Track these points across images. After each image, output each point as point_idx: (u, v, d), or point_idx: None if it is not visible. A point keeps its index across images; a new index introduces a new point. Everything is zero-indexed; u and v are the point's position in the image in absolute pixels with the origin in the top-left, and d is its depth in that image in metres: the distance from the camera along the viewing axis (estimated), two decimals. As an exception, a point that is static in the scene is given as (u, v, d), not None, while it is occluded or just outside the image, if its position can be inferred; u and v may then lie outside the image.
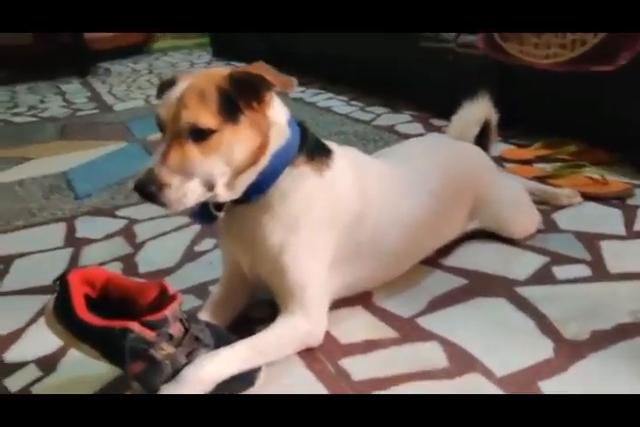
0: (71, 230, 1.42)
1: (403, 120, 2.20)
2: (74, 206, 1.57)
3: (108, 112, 2.80)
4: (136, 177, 0.77)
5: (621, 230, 1.23)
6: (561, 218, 1.32)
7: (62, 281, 0.75)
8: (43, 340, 0.82)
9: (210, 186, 0.80)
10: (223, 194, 0.83)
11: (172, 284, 1.10)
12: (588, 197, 1.40)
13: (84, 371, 0.86)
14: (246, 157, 0.82)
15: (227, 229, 0.93)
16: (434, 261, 1.15)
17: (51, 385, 0.86)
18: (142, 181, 0.76)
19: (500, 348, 0.88)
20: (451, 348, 0.89)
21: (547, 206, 1.36)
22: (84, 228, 1.43)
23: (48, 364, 0.90)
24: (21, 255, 1.30)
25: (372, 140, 1.96)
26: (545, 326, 0.93)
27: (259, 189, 0.86)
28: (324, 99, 2.73)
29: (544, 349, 0.87)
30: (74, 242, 1.35)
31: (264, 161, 0.84)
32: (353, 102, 2.59)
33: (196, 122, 0.77)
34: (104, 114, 2.77)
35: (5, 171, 1.95)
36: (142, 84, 3.58)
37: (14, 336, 0.99)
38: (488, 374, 0.83)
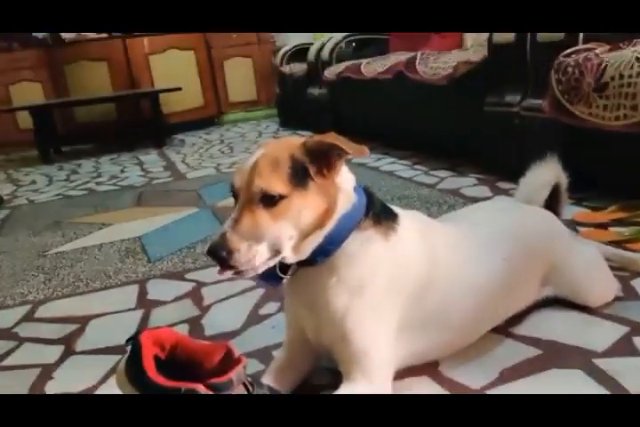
0: (143, 292, 1.48)
1: (468, 184, 2.19)
2: (146, 270, 1.64)
3: (182, 180, 2.98)
4: (210, 241, 0.82)
5: None
6: (641, 284, 1.24)
7: (135, 342, 0.78)
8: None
9: (276, 250, 0.83)
10: (290, 257, 0.85)
11: (236, 347, 1.14)
12: (668, 262, 1.32)
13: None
14: (313, 221, 0.85)
15: (291, 292, 0.94)
16: (504, 329, 1.10)
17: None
18: (214, 246, 0.80)
19: (579, 425, 0.82)
20: None
21: (625, 272, 1.29)
22: (155, 290, 1.49)
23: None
24: (97, 316, 1.37)
25: (437, 204, 1.96)
26: (628, 401, 0.86)
27: (325, 252, 0.87)
28: (387, 163, 2.78)
29: (630, 428, 0.80)
30: (145, 304, 1.41)
31: (330, 225, 0.86)
32: (417, 167, 2.62)
33: (268, 189, 0.81)
34: (177, 182, 2.95)
35: (87, 236, 2.09)
36: (214, 153, 3.81)
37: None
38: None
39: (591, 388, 0.90)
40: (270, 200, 0.81)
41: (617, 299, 1.18)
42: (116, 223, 2.22)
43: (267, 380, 0.91)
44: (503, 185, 2.08)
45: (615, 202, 1.67)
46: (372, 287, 0.88)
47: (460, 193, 2.08)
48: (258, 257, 0.81)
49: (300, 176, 0.83)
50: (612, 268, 1.25)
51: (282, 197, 0.82)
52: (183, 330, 1.22)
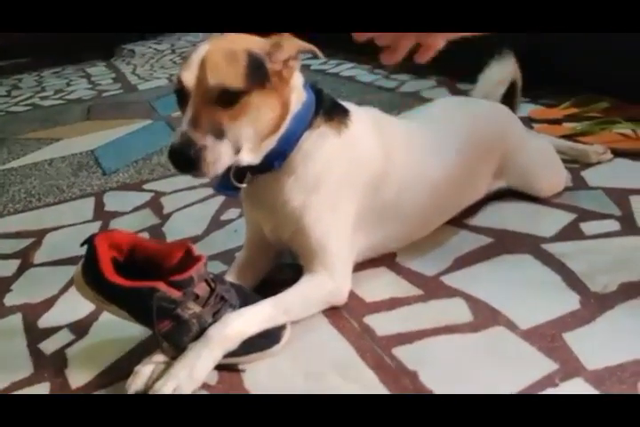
0: (100, 205, 1.45)
1: (428, 86, 2.16)
2: (102, 182, 1.60)
3: (133, 92, 2.83)
4: (170, 143, 0.76)
5: (653, 185, 1.20)
6: (590, 175, 1.28)
7: (89, 245, 0.77)
8: (75, 306, 0.85)
9: (237, 150, 0.79)
10: (246, 158, 0.82)
11: (200, 250, 1.15)
12: (618, 153, 1.36)
13: (115, 333, 0.89)
14: (271, 121, 0.82)
15: (249, 198, 0.93)
16: (459, 221, 1.14)
17: (83, 347, 0.89)
18: (179, 146, 0.74)
19: (524, 302, 0.88)
20: (475, 303, 0.88)
21: (576, 164, 1.33)
22: (113, 202, 1.46)
23: (80, 328, 0.94)
24: (53, 229, 1.34)
25: (396, 108, 1.93)
26: (571, 280, 0.91)
27: (281, 155, 0.86)
28: (346, 68, 2.69)
29: (570, 302, 0.86)
30: (103, 215, 1.39)
31: (286, 125, 0.84)
32: (377, 71, 2.55)
33: (227, 84, 0.76)
34: (129, 94, 2.80)
35: (35, 151, 2.00)
36: (165, 63, 3.60)
37: (48, 304, 1.03)
38: (512, 326, 0.82)
39: (538, 270, 0.96)
40: (228, 98, 0.76)
41: (567, 189, 1.22)
42: (65, 138, 2.12)
43: (229, 277, 0.93)
44: (463, 86, 2.05)
45: (569, 98, 1.67)
46: (328, 183, 0.88)
47: (421, 96, 2.06)
48: (223, 155, 0.77)
49: (257, 73, 0.79)
50: (564, 160, 1.28)
51: (241, 94, 0.77)
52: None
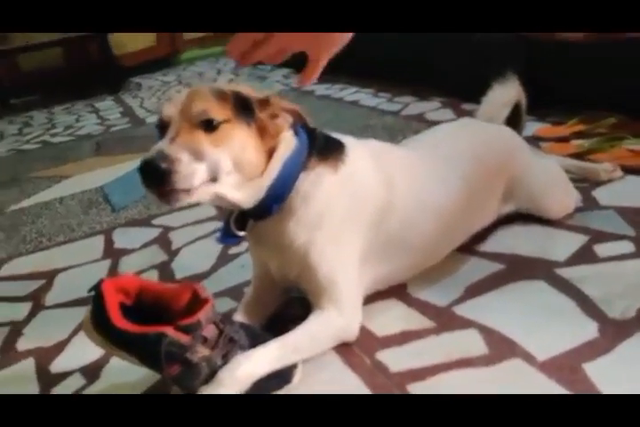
0: (109, 242, 1.46)
1: (432, 108, 2.16)
2: (111, 219, 1.61)
3: (141, 126, 2.87)
4: (143, 157, 0.74)
5: (665, 202, 1.17)
6: (601, 194, 1.26)
7: (97, 291, 0.77)
8: (86, 349, 0.85)
9: (214, 177, 0.78)
10: (233, 195, 0.82)
11: (208, 287, 1.12)
12: (629, 170, 1.34)
13: (127, 377, 0.88)
14: (254, 159, 0.82)
15: (253, 239, 0.93)
16: (469, 247, 1.12)
17: (95, 392, 0.88)
18: (151, 158, 0.72)
19: (540, 331, 0.85)
20: (489, 334, 0.86)
21: (586, 184, 1.31)
22: (122, 239, 1.47)
23: (92, 372, 0.93)
24: (63, 269, 1.35)
25: (401, 131, 1.93)
26: (588, 306, 0.89)
27: (278, 199, 0.85)
28: (350, 93, 2.71)
29: (587, 330, 0.84)
30: (112, 253, 1.39)
31: (275, 169, 0.84)
32: (380, 94, 2.57)
33: (209, 111, 0.77)
34: (136, 128, 2.84)
35: (46, 190, 2.03)
36: (172, 94, 3.66)
37: (59, 348, 1.02)
38: (529, 358, 0.80)
39: (553, 296, 0.93)
40: (211, 125, 0.77)
41: (578, 210, 1.20)
42: (75, 175, 2.15)
43: (238, 317, 0.92)
44: (467, 107, 2.05)
45: (576, 115, 1.66)
46: (331, 220, 0.87)
47: (425, 118, 2.06)
48: (197, 175, 0.75)
49: (243, 111, 0.80)
50: (574, 180, 1.27)
51: (224, 122, 0.78)
52: (153, 275, 1.22)
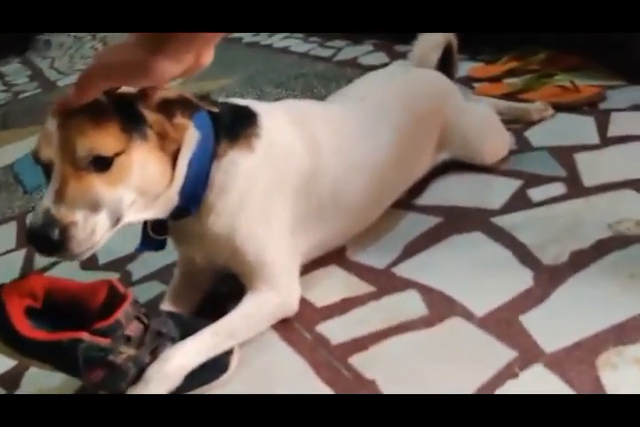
0: (22, 229, 1.35)
1: (365, 51, 2.09)
2: (23, 202, 1.49)
3: (52, 90, 2.65)
4: (29, 222, 0.64)
5: (595, 139, 1.17)
6: (534, 135, 1.25)
7: (-2, 300, 0.70)
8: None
9: (117, 218, 0.69)
10: (143, 217, 0.74)
11: (135, 271, 1.09)
12: (560, 107, 1.33)
13: (49, 383, 0.83)
14: (159, 176, 0.71)
15: (174, 235, 0.86)
16: (406, 202, 1.10)
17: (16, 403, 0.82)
18: (40, 227, 0.62)
19: (478, 286, 0.85)
20: (429, 294, 0.85)
21: (518, 125, 1.29)
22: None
23: (10, 381, 0.86)
24: (-25, 264, 1.25)
25: (334, 79, 1.86)
26: (523, 254, 0.89)
27: (193, 199, 0.77)
28: (279, 39, 2.59)
29: (523, 279, 0.84)
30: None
31: (182, 174, 0.74)
32: (311, 39, 2.46)
33: (96, 148, 0.65)
34: (47, 93, 2.62)
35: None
36: (86, 52, 3.39)
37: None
38: (468, 315, 0.79)
39: (490, 247, 0.93)
40: (103, 162, 0.66)
41: (511, 153, 1.19)
42: (-19, 154, 1.99)
43: (166, 306, 0.87)
44: (400, 48, 1.98)
45: (506, 53, 1.63)
46: (253, 200, 0.81)
47: (358, 63, 1.99)
48: (98, 230, 0.66)
49: (135, 124, 0.68)
50: (506, 121, 1.25)
51: (118, 154, 0.67)
52: (75, 263, 1.14)
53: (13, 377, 0.87)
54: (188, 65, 0.58)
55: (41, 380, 0.84)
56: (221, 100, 0.85)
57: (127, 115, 0.68)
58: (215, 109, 0.72)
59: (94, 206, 0.66)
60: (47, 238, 0.63)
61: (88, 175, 0.66)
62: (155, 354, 0.72)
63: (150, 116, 0.69)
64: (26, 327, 0.68)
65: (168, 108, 0.70)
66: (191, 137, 0.75)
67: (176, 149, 0.74)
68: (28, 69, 3.27)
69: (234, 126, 0.81)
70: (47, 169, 0.68)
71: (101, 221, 0.66)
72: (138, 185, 0.69)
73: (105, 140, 0.65)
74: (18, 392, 0.84)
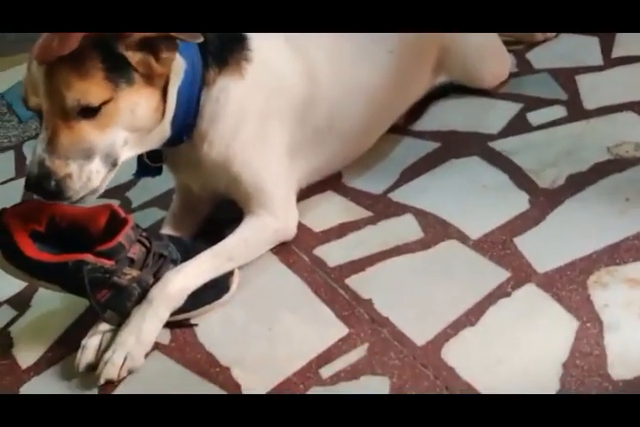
0: (21, 158, 1.34)
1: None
2: (19, 132, 1.47)
3: (38, 16, 2.53)
4: (27, 172, 0.67)
5: (599, 60, 1.14)
6: (536, 56, 1.21)
7: (0, 224, 0.70)
8: (11, 280, 0.79)
9: (113, 160, 0.70)
10: (139, 151, 0.75)
11: (134, 198, 1.09)
12: (564, 26, 1.27)
13: (59, 303, 0.85)
14: (150, 114, 0.71)
15: (170, 164, 0.85)
16: (403, 128, 1.08)
17: (27, 323, 0.85)
18: (36, 178, 0.66)
19: (474, 209, 0.86)
20: (425, 218, 0.86)
21: (521, 46, 1.24)
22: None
23: (21, 302, 0.89)
24: (-26, 195, 1.24)
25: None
26: (519, 178, 0.89)
27: (185, 129, 0.76)
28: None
29: (519, 202, 0.84)
30: (25, 170, 1.28)
31: (172, 105, 0.73)
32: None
33: (83, 97, 0.65)
34: (33, 18, 2.50)
35: (-61, 103, 1.81)
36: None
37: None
38: (463, 238, 0.81)
39: (486, 172, 0.93)
40: (91, 110, 0.65)
41: (512, 75, 1.15)
42: (-31, 83, 1.92)
43: (166, 230, 0.88)
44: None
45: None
46: (246, 127, 0.80)
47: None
48: (94, 177, 0.68)
49: (119, 69, 0.67)
50: (508, 43, 1.20)
51: (104, 103, 0.66)
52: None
53: (24, 299, 0.90)
54: None
55: (50, 301, 0.86)
56: None
57: (110, 60, 0.67)
58: (197, 40, 0.69)
59: (88, 154, 0.67)
60: (44, 189, 0.66)
61: (78, 124, 0.66)
62: (157, 276, 0.74)
63: (133, 57, 0.68)
64: (32, 249, 0.69)
65: (151, 45, 0.68)
66: (178, 67, 0.73)
67: (165, 81, 0.72)
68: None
69: (222, 51, 0.78)
70: (38, 114, 0.68)
71: (96, 167, 0.68)
72: (129, 125, 0.69)
73: (91, 89, 0.65)
74: (29, 312, 0.87)
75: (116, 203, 1.06)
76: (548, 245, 0.77)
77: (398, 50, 0.98)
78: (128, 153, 0.73)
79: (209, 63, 0.76)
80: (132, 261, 0.72)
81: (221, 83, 0.77)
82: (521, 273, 0.73)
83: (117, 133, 0.69)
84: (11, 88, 1.77)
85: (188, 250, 0.79)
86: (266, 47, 0.81)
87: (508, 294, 0.71)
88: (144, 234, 0.76)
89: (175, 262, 0.77)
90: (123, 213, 0.74)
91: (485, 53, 1.11)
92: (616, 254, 0.72)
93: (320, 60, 0.87)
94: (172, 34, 0.68)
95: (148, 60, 0.69)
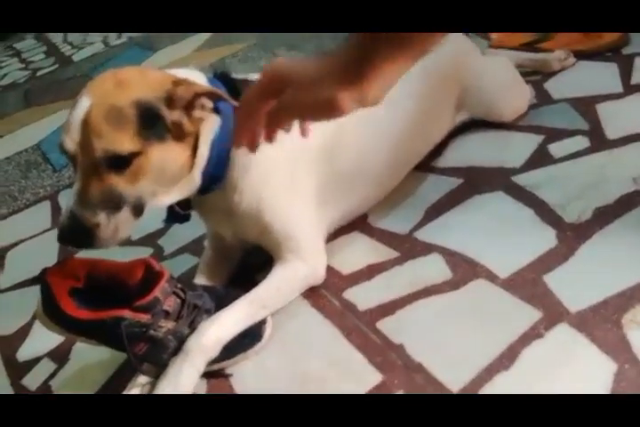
0: (56, 208, 1.38)
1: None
2: (54, 181, 1.52)
3: (68, 65, 2.64)
4: (59, 225, 0.70)
5: (618, 87, 1.14)
6: (554, 86, 1.22)
7: (42, 282, 0.73)
8: (50, 333, 0.83)
9: (139, 211, 0.73)
10: (166, 201, 0.77)
11: (165, 246, 1.12)
12: (582, 54, 1.28)
13: (97, 355, 0.87)
14: (179, 169, 0.73)
15: (201, 211, 0.88)
16: (426, 165, 1.09)
17: (67, 377, 0.87)
18: (67, 230, 0.69)
19: (501, 247, 0.85)
20: (452, 257, 0.86)
21: (539, 76, 1.26)
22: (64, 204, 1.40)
23: (61, 355, 0.91)
24: (12, 246, 1.29)
25: (346, 39, 1.80)
26: (545, 213, 0.89)
27: (216, 180, 0.79)
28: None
29: (547, 238, 0.84)
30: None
31: (203, 158, 0.76)
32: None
33: (113, 149, 0.67)
34: (64, 68, 2.62)
35: (-24, 156, 1.90)
36: (96, 23, 3.34)
37: (22, 334, 1.00)
38: (492, 277, 0.80)
39: (511, 207, 0.93)
40: (121, 161, 0.68)
41: (531, 107, 1.16)
42: (6, 134, 2.01)
43: (200, 279, 0.90)
44: None
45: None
46: (276, 175, 0.82)
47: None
48: (122, 227, 0.71)
49: (152, 127, 0.69)
50: (525, 73, 1.22)
51: (135, 155, 0.68)
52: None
53: (63, 352, 0.92)
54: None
55: (89, 354, 0.88)
56: (241, 76, 0.84)
57: (147, 116, 0.69)
58: (236, 104, 0.71)
59: (116, 205, 0.70)
60: (74, 240, 0.69)
61: (107, 175, 0.69)
62: (193, 326, 0.76)
63: (170, 116, 0.71)
64: (71, 307, 0.71)
65: (189, 102, 0.71)
66: (212, 122, 0.76)
67: (196, 138, 0.75)
68: (43, 45, 3.23)
69: None
70: (73, 160, 0.71)
71: (124, 217, 0.71)
72: (158, 178, 0.72)
73: (121, 140, 0.67)
74: (68, 366, 0.89)
75: (148, 251, 1.10)
76: (578, 283, 0.76)
77: (420, 94, 1.00)
78: (157, 202, 0.75)
79: None
80: (167, 314, 0.74)
81: None
82: (553, 312, 0.72)
83: (146, 186, 0.71)
84: (46, 137, 1.84)
85: (221, 299, 0.81)
86: None
87: (541, 335, 0.70)
88: (179, 285, 0.78)
89: (209, 312, 0.78)
90: (158, 266, 0.76)
91: (504, 88, 1.13)
92: (649, 291, 0.71)
93: None
94: (217, 92, 0.71)
95: (181, 119, 0.72)
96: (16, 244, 1.30)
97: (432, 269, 0.85)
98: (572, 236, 0.83)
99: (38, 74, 2.66)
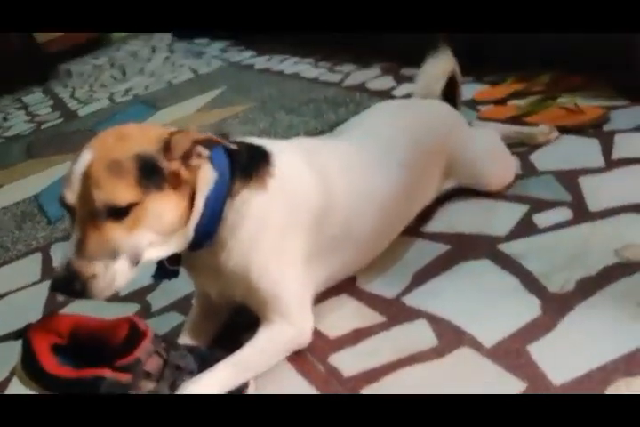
0: (47, 261, 1.39)
1: (373, 75, 2.14)
2: (47, 233, 1.54)
3: (73, 119, 2.73)
4: (54, 274, 0.71)
5: (600, 162, 1.19)
6: (539, 158, 1.27)
7: (24, 338, 0.73)
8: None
9: (137, 260, 0.74)
10: (161, 254, 0.78)
11: (154, 302, 1.12)
12: (565, 129, 1.34)
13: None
14: (176, 220, 0.76)
15: (189, 267, 0.89)
16: (414, 229, 1.12)
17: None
18: (61, 280, 0.69)
19: (486, 315, 0.86)
20: (438, 324, 0.87)
21: (524, 148, 1.31)
22: (60, 255, 1.40)
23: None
24: (1, 297, 1.28)
25: (344, 104, 1.90)
26: (530, 282, 0.90)
27: (207, 235, 0.80)
28: (290, 65, 2.66)
29: (531, 308, 0.85)
30: (51, 273, 1.33)
31: (198, 212, 0.78)
32: (320, 64, 2.52)
33: (112, 200, 0.70)
34: (69, 122, 2.71)
35: (-25, 205, 1.92)
36: (105, 80, 3.49)
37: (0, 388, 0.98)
38: (477, 346, 0.81)
39: (497, 276, 0.94)
40: (119, 212, 0.70)
41: (517, 177, 1.20)
42: (6, 184, 2.04)
43: (185, 339, 0.90)
44: (407, 72, 2.02)
45: (511, 74, 1.65)
46: (265, 238, 0.84)
47: (366, 88, 2.03)
48: (119, 276, 0.72)
49: (151, 177, 0.72)
50: (511, 145, 1.27)
51: (132, 205, 0.71)
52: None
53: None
54: None
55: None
56: (239, 139, 0.88)
57: (146, 167, 0.72)
58: (234, 147, 0.76)
59: (113, 254, 0.71)
60: (70, 290, 0.69)
61: (106, 225, 0.71)
62: (174, 387, 0.75)
63: (169, 167, 0.74)
64: (51, 364, 0.70)
65: (187, 151, 0.74)
66: (209, 177, 0.79)
67: (192, 189, 0.77)
68: (50, 99, 3.36)
69: (249, 166, 0.84)
70: (71, 213, 0.73)
71: (121, 267, 0.72)
72: (155, 229, 0.74)
73: (120, 191, 0.70)
74: None
75: (136, 307, 1.10)
76: (561, 355, 0.76)
77: (409, 162, 1.05)
78: (152, 254, 0.76)
79: (236, 175, 0.82)
80: (148, 374, 0.73)
81: (245, 194, 0.82)
82: (537, 385, 0.72)
83: (144, 235, 0.73)
84: (44, 189, 1.87)
85: (205, 360, 0.80)
86: (285, 163, 0.87)
87: (525, 408, 0.70)
88: (163, 344, 0.78)
89: (192, 373, 0.78)
90: (142, 325, 0.76)
91: (491, 159, 1.18)
92: (632, 364, 0.71)
93: (334, 174, 0.93)
94: (214, 139, 0.74)
95: (179, 168, 0.74)
96: (4, 295, 1.29)
97: (418, 335, 0.86)
98: (556, 306, 0.84)
99: (43, 127, 2.75)
